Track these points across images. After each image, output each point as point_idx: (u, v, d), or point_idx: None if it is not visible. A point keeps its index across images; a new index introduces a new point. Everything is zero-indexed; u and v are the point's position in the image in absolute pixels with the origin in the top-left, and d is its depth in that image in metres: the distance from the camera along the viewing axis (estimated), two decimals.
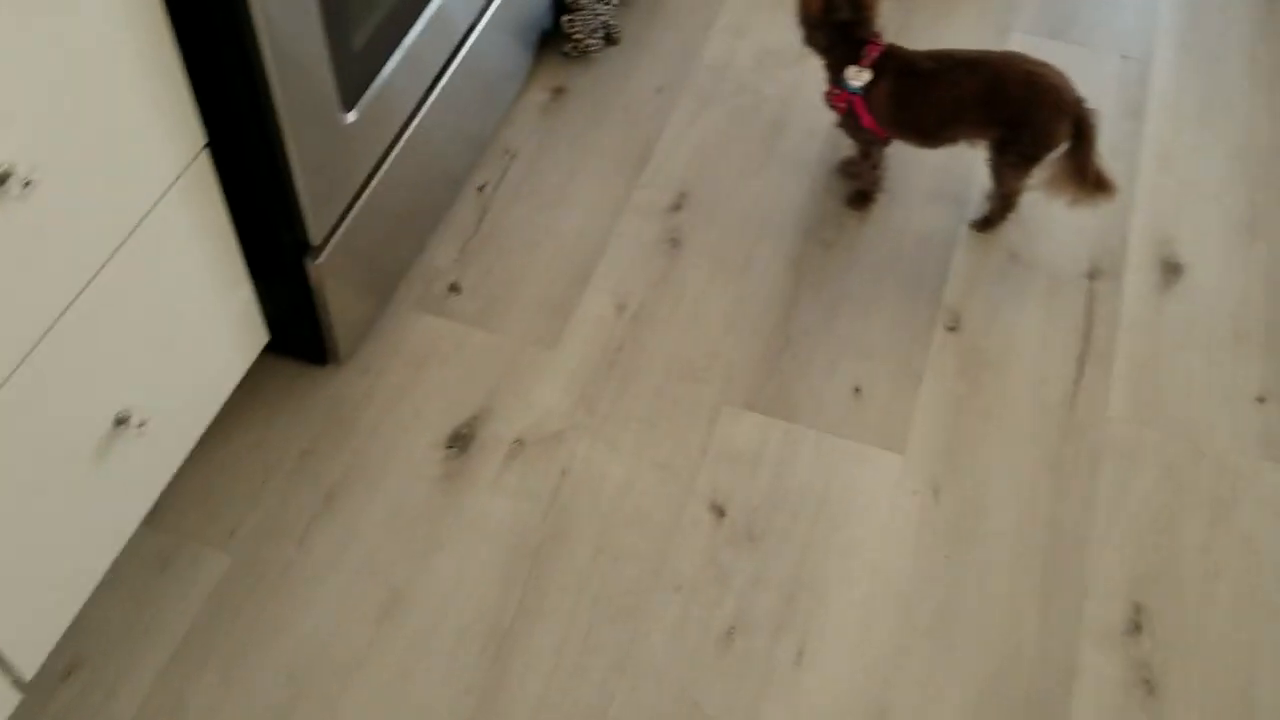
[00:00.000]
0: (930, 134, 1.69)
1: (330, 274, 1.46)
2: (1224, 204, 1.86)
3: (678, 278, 1.74)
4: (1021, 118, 1.60)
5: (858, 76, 1.63)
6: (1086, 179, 1.62)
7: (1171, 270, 1.77)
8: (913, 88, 1.62)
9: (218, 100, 1.23)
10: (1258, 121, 1.98)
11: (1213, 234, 1.82)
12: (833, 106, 1.71)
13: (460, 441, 1.56)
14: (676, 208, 1.83)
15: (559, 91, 1.99)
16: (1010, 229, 1.80)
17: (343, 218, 1.46)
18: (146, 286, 1.23)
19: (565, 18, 1.97)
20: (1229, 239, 1.82)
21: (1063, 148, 1.62)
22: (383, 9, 1.41)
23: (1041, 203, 1.75)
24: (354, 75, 1.37)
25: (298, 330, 1.54)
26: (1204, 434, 1.59)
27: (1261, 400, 1.63)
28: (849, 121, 1.72)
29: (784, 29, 1.71)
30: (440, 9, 1.54)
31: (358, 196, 1.48)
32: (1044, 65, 1.60)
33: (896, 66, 1.63)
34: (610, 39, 2.04)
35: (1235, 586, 1.46)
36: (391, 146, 1.53)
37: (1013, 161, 1.65)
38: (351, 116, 1.39)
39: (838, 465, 1.55)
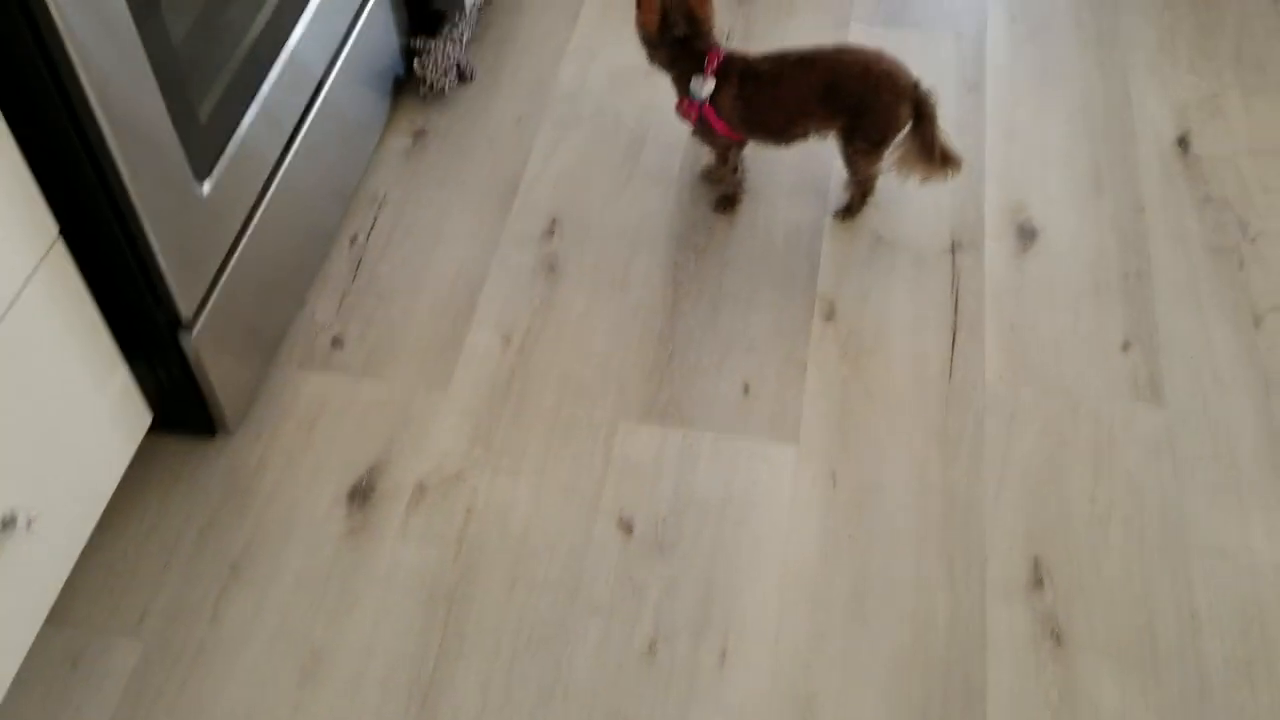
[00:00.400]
0: (779, 132, 1.74)
1: (207, 345, 1.45)
2: (1069, 164, 1.95)
3: (559, 302, 1.77)
4: (861, 106, 1.66)
5: (703, 86, 1.67)
6: (933, 156, 1.68)
7: (1027, 234, 1.85)
8: (756, 90, 1.67)
9: (66, 188, 1.22)
10: (1091, 82, 2.08)
11: (1062, 194, 1.90)
12: (685, 117, 1.76)
13: (361, 495, 1.56)
14: (549, 234, 1.85)
15: (420, 134, 2.00)
16: (871, 214, 1.86)
17: (212, 287, 1.45)
18: (16, 385, 1.21)
19: (416, 61, 1.98)
20: (1077, 197, 1.90)
21: (906, 129, 1.68)
22: (225, 78, 1.41)
23: (897, 184, 1.81)
24: (204, 146, 1.37)
25: (182, 405, 1.52)
26: (1077, 386, 1.66)
27: (1126, 346, 1.70)
28: (703, 129, 1.76)
29: (632, 48, 1.75)
30: (286, 69, 1.54)
31: (225, 264, 1.47)
32: (877, 53, 1.66)
33: (738, 72, 1.67)
34: (464, 76, 2.05)
35: (1125, 527, 1.52)
36: (254, 210, 1.52)
37: (861, 149, 1.71)
38: (207, 187, 1.38)
39: (736, 464, 1.59)
